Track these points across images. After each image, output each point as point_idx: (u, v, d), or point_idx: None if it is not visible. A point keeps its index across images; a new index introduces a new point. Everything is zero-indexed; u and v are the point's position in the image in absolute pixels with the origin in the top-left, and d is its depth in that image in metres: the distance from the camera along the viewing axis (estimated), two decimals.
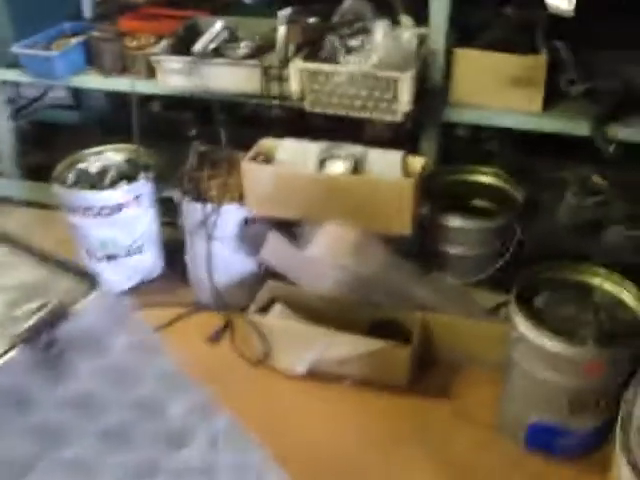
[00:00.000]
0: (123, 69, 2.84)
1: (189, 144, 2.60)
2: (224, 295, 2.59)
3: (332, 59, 2.50)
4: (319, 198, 2.27)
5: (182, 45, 2.77)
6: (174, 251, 2.76)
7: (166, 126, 3.30)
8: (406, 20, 2.70)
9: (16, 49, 2.85)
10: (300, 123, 2.70)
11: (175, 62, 2.65)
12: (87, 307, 0.90)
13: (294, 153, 2.36)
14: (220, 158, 2.59)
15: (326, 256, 2.29)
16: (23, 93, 3.50)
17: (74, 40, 2.93)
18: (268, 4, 3.00)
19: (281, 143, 2.41)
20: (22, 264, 0.97)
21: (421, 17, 2.58)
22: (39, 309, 0.88)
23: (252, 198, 2.38)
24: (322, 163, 2.30)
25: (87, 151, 2.79)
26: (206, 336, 2.55)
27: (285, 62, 2.54)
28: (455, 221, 2.40)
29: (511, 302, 1.93)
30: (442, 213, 2.42)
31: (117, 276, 2.71)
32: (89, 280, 0.92)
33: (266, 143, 2.45)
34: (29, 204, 3.21)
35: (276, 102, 2.64)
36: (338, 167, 2.28)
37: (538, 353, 1.86)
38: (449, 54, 2.52)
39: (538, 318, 1.88)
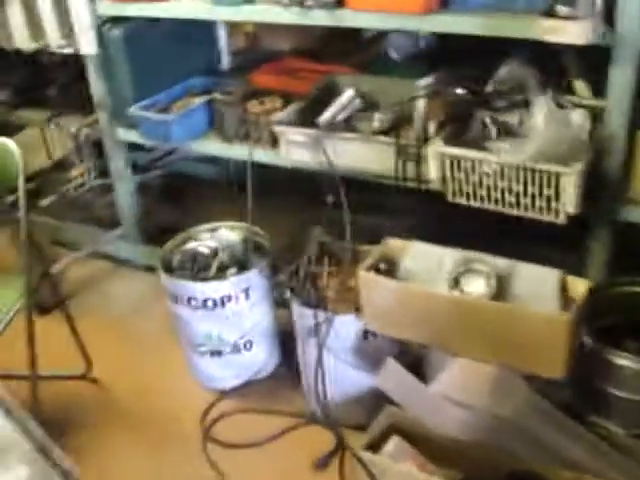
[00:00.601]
0: (245, 135, 2.52)
1: (318, 212, 2.24)
2: (337, 411, 2.20)
3: (480, 142, 2.04)
4: (450, 324, 1.83)
5: (313, 109, 2.41)
6: (292, 340, 2.39)
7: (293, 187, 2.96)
8: (581, 87, 2.20)
9: (133, 111, 2.61)
10: (438, 213, 2.25)
11: (298, 135, 2.30)
12: None
13: (424, 262, 1.93)
14: (342, 252, 2.21)
15: (454, 394, 1.84)
16: None
17: (197, 101, 2.65)
18: (418, 62, 2.59)
19: (410, 246, 1.98)
20: None
21: (598, 86, 2.07)
22: None
23: (370, 312, 1.97)
24: (457, 280, 1.85)
25: (201, 227, 2.51)
26: (312, 458, 2.18)
27: (423, 142, 2.11)
28: (626, 359, 1.87)
29: None
30: (608, 346, 1.89)
31: (222, 373, 2.40)
32: None
33: (392, 244, 2.03)
34: (148, 269, 2.98)
35: (411, 186, 2.21)
36: (477, 286, 1.82)
37: None
38: (631, 138, 1.98)
39: None
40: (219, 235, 2.47)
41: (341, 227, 2.22)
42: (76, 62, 2.72)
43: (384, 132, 2.24)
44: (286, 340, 2.46)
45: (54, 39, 2.62)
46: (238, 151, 2.53)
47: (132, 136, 2.72)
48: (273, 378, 2.48)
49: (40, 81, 3.12)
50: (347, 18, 2.12)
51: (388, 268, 1.97)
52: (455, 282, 1.85)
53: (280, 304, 2.41)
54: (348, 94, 2.28)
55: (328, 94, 2.50)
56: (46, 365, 2.50)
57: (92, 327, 2.76)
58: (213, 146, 2.60)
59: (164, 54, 2.68)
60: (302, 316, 2.13)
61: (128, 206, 2.96)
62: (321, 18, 2.15)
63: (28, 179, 3.17)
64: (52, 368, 2.49)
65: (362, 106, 2.32)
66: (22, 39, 2.68)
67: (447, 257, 1.90)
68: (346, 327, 2.07)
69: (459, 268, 1.86)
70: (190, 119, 2.56)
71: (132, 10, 2.48)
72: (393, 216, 2.30)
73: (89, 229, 3.21)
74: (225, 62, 3.14)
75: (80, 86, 2.81)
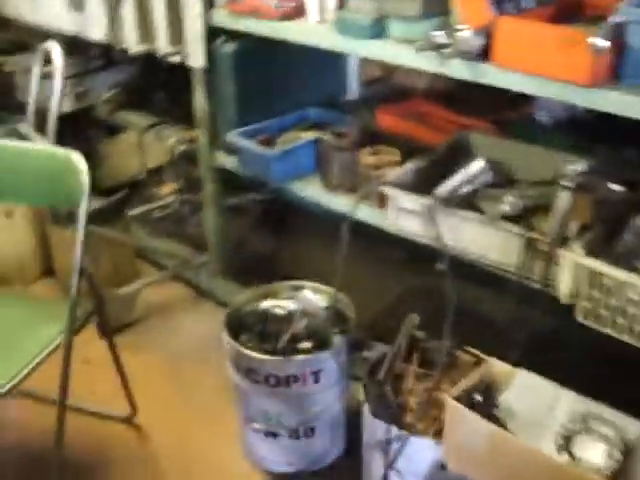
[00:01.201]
0: (352, 186, 2.16)
1: (420, 283, 1.89)
2: None
3: (632, 258, 1.60)
4: None
5: (434, 171, 2.04)
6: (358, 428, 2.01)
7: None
8: None
9: (232, 137, 2.31)
10: (560, 330, 1.83)
11: (410, 202, 1.92)
12: None
13: (531, 400, 1.52)
14: (437, 353, 1.82)
15: None
16: None
17: (306, 136, 2.32)
18: (571, 132, 2.16)
19: (516, 375, 1.58)
20: None
21: None
22: None
23: (451, 447, 1.58)
24: (569, 439, 1.42)
25: (284, 284, 2.18)
26: None
27: (560, 242, 1.69)
28: None
29: None
30: None
31: (275, 457, 2.07)
32: None
33: (495, 367, 1.63)
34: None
35: (535, 286, 1.79)
36: (594, 454, 1.40)
37: None
38: None
39: None
40: (301, 296, 2.14)
41: (442, 316, 1.83)
42: (190, 69, 2.45)
43: (513, 217, 1.83)
44: (355, 423, 2.09)
45: (163, 44, 2.36)
46: (341, 203, 2.18)
47: (230, 163, 2.42)
48: (332, 470, 2.12)
49: (150, 83, 2.89)
50: (490, 75, 1.72)
51: (485, 399, 1.57)
52: (566, 441, 1.43)
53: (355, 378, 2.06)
54: (478, 165, 1.88)
55: (456, 154, 2.12)
56: (92, 397, 2.30)
57: (149, 363, 2.53)
58: (314, 192, 2.26)
59: (279, 78, 2.38)
60: (372, 425, 1.76)
61: (216, 233, 2.67)
62: (459, 70, 1.76)
63: (117, 187, 3.00)
64: (99, 402, 2.29)
65: (493, 181, 1.91)
66: (131, 40, 2.43)
67: (562, 401, 1.49)
68: (422, 452, 1.68)
69: (574, 423, 1.44)
70: (293, 157, 2.24)
71: (246, 24, 2.17)
72: (503, 320, 1.89)
73: (175, 247, 2.95)
74: (353, 91, 2.80)
75: (189, 96, 2.54)
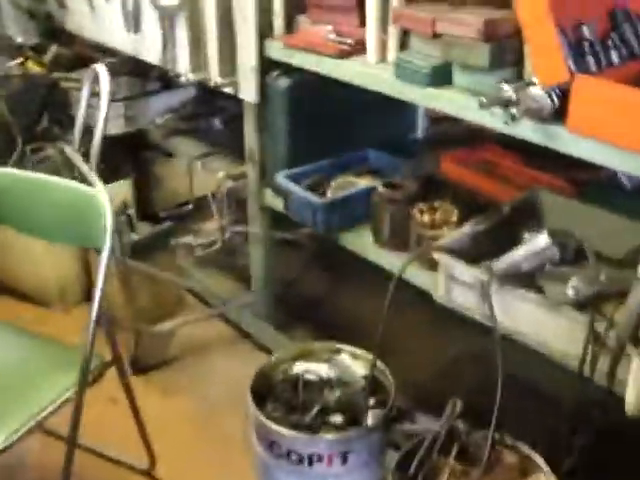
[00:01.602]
0: (404, 244, 1.96)
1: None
2: None
3: None
4: None
5: (495, 235, 1.83)
6: None
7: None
8: None
9: (280, 180, 2.14)
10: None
11: (461, 272, 1.71)
12: None
13: None
14: (478, 447, 1.61)
15: None
16: None
17: (361, 182, 2.13)
18: None
19: None
20: None
21: None
22: None
23: None
24: None
25: (321, 344, 2.00)
26: None
27: (633, 340, 1.45)
28: None
29: None
30: None
31: None
32: None
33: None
34: (270, 352, 2.52)
35: (597, 382, 1.55)
36: None
37: None
38: None
39: None
40: (338, 361, 1.95)
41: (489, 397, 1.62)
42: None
43: (581, 303, 1.59)
44: None
45: (214, 74, 2.20)
46: (390, 261, 1.98)
47: (280, 204, 2.24)
48: None
49: (206, 110, 2.74)
50: (563, 141, 1.50)
51: None
52: None
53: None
54: (543, 241, 1.64)
55: (522, 216, 1.90)
56: (113, 440, 2.16)
57: (178, 407, 2.39)
58: (363, 245, 2.06)
59: (336, 115, 2.19)
60: None
61: (262, 272, 2.50)
62: (528, 131, 1.55)
63: (165, 211, 2.88)
64: (120, 447, 2.15)
65: (559, 256, 1.67)
66: (184, 66, 2.29)
67: None
68: None
69: None
70: (342, 207, 2.05)
71: (301, 59, 2.00)
72: (561, 412, 1.64)
73: (221, 282, 2.81)
74: (420, 130, 2.60)
75: (243, 127, 2.39)
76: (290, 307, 2.63)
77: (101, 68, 2.28)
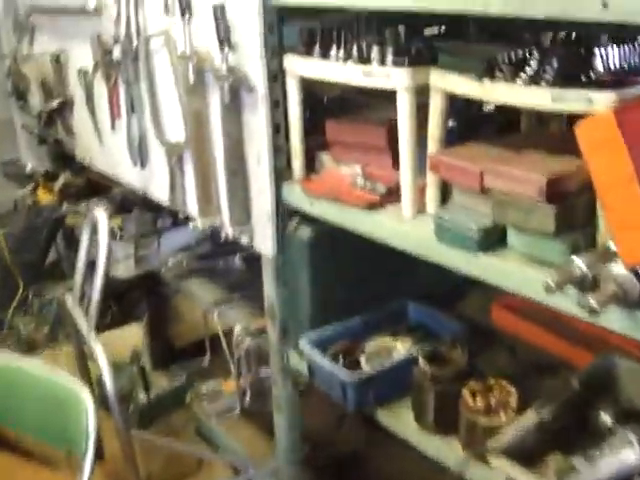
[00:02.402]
0: (452, 426, 1.60)
1: None
2: None
3: None
4: None
5: (563, 423, 1.47)
6: None
7: None
8: None
9: (302, 346, 1.82)
10: None
11: None
12: None
13: None
14: None
15: None
16: None
17: (400, 345, 1.79)
18: None
19: None
20: None
21: None
22: None
23: None
24: None
25: None
26: None
27: None
28: None
29: None
30: None
31: None
32: None
33: None
34: None
35: None
36: None
37: None
38: None
39: None
40: None
41: None
42: None
43: None
44: None
45: (227, 222, 1.91)
46: (435, 445, 1.62)
47: (305, 368, 1.90)
48: None
49: (223, 247, 2.44)
50: None
51: None
52: None
53: None
54: (633, 456, 1.27)
55: (594, 390, 1.54)
56: None
57: None
58: (404, 428, 1.70)
59: (367, 267, 1.88)
60: None
61: (286, 444, 2.14)
62: (610, 320, 1.20)
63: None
64: None
65: None
66: (193, 210, 2.01)
67: None
68: None
69: None
70: (378, 383, 1.70)
71: (323, 210, 1.70)
72: None
73: (242, 434, 2.46)
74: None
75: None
76: (319, 471, 2.27)
77: (100, 213, 2.01)
